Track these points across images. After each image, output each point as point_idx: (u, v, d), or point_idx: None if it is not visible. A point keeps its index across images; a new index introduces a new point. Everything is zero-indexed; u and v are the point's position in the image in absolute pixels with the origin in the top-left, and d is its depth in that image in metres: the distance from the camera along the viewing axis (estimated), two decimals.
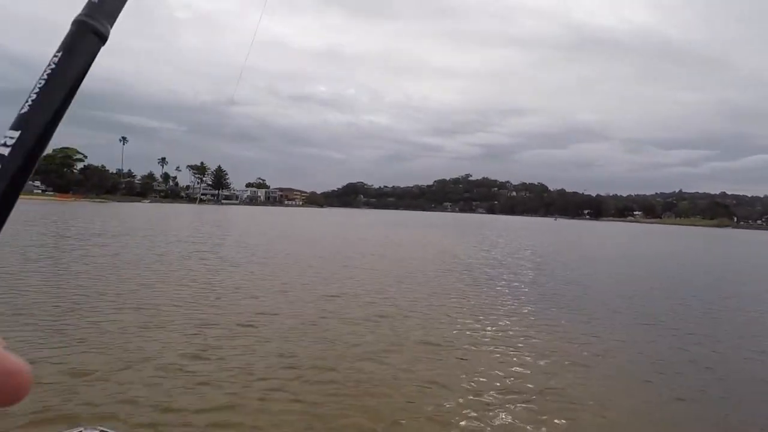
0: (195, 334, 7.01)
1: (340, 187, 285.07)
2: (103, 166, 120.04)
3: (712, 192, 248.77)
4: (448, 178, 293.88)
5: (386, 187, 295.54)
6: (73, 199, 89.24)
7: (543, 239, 40.43)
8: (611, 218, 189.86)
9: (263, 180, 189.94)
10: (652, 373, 6.51)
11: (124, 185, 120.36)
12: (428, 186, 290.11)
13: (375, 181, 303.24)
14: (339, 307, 9.35)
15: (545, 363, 6.59)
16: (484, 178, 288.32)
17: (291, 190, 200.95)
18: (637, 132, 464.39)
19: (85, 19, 0.28)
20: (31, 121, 0.24)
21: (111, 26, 0.30)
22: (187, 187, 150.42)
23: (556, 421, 4.79)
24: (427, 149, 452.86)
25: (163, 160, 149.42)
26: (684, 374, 6.53)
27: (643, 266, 21.66)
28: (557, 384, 5.81)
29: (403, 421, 4.63)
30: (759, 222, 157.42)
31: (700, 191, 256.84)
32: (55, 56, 0.27)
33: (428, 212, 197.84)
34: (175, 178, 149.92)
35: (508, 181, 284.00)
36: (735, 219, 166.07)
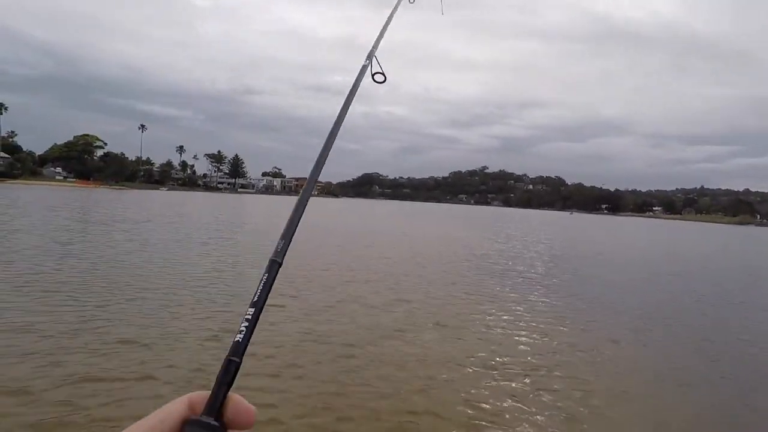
0: (224, 311, 7.34)
1: (355, 177, 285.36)
2: (122, 154, 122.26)
3: (736, 189, 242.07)
4: (464, 170, 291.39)
5: (402, 178, 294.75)
6: (93, 185, 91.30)
7: (557, 233, 40.17)
8: (629, 213, 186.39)
9: (279, 169, 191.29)
10: (651, 356, 6.63)
11: (142, 173, 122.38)
12: (444, 178, 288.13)
13: (391, 172, 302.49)
14: (360, 292, 9.63)
15: (551, 346, 6.80)
16: (500, 170, 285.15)
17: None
18: (660, 127, 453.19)
19: (275, 258, 0.53)
20: (245, 331, 0.49)
21: (284, 256, 0.52)
22: (204, 175, 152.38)
23: (563, 393, 4.97)
24: (444, 141, 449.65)
25: (180, 148, 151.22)
26: (684, 360, 6.62)
27: (654, 263, 21.47)
28: (562, 364, 5.99)
29: (422, 392, 4.86)
30: None
31: (723, 187, 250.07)
32: (261, 281, 0.51)
33: (444, 204, 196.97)
34: (192, 166, 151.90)
35: (524, 174, 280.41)
36: (758, 216, 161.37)
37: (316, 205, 78.87)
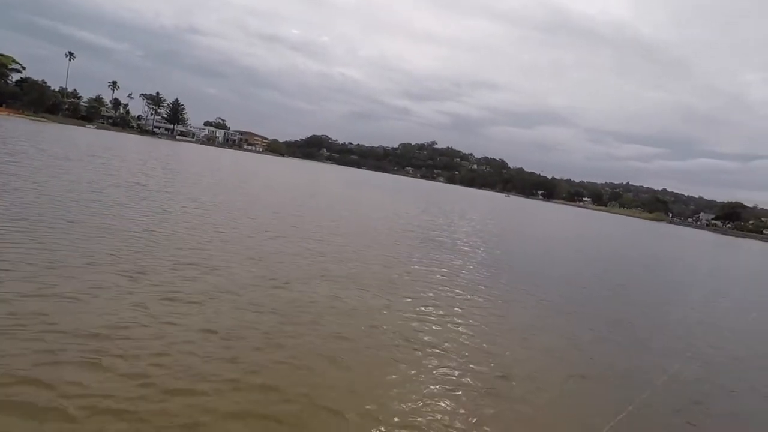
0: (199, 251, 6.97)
1: (303, 138, 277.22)
2: (44, 81, 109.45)
3: (656, 187, 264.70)
4: (413, 143, 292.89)
5: (351, 144, 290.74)
6: (6, 113, 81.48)
7: (488, 212, 42.06)
8: (562, 201, 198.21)
9: (223, 120, 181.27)
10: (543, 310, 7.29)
11: (67, 106, 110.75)
12: (393, 148, 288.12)
13: (340, 137, 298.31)
14: (301, 249, 9.58)
15: (463, 291, 7.25)
16: (448, 147, 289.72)
17: (252, 134, 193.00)
18: (600, 122, 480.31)
19: None
20: None
21: None
22: (139, 117, 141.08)
23: (469, 321, 5.36)
24: (397, 111, 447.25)
25: (114, 84, 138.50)
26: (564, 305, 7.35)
27: (562, 242, 23.20)
28: (465, 298, 6.44)
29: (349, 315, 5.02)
30: (689, 220, 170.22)
31: (645, 185, 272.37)
32: None
33: (390, 174, 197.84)
34: (126, 105, 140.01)
35: (471, 154, 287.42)
36: (670, 215, 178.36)
37: (262, 163, 76.04)
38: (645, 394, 5.56)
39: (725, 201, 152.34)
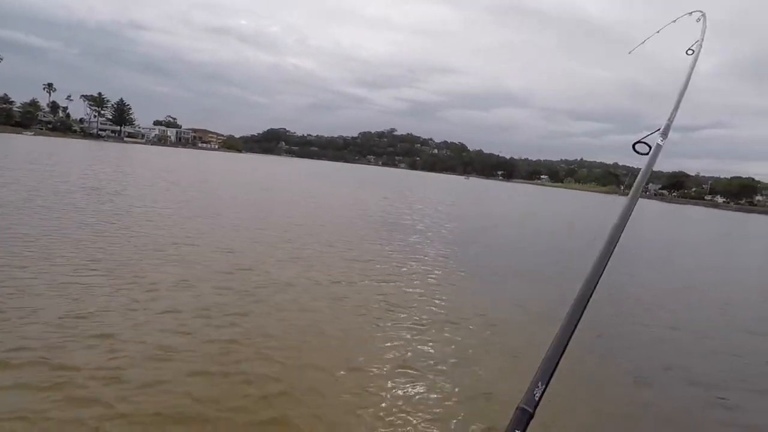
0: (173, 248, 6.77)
1: (260, 132, 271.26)
2: None
3: (608, 162, 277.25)
4: (373, 131, 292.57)
5: (310, 135, 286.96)
6: None
7: (444, 196, 43.03)
8: (521, 180, 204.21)
9: (174, 119, 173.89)
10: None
11: None
12: (353, 138, 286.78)
13: (298, 129, 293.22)
14: (267, 237, 9.55)
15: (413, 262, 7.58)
16: (408, 133, 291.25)
17: (206, 131, 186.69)
18: (554, 101, 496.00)
19: (525, 406, 0.39)
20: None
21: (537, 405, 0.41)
22: (82, 120, 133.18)
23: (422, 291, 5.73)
24: (354, 100, 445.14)
25: (49, 87, 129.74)
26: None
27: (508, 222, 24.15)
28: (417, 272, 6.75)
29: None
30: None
31: (598, 160, 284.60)
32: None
33: (352, 164, 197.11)
34: (66, 108, 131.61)
35: (430, 139, 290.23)
36: (622, 188, 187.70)
37: (218, 162, 74.01)
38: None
39: (671, 171, 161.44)
